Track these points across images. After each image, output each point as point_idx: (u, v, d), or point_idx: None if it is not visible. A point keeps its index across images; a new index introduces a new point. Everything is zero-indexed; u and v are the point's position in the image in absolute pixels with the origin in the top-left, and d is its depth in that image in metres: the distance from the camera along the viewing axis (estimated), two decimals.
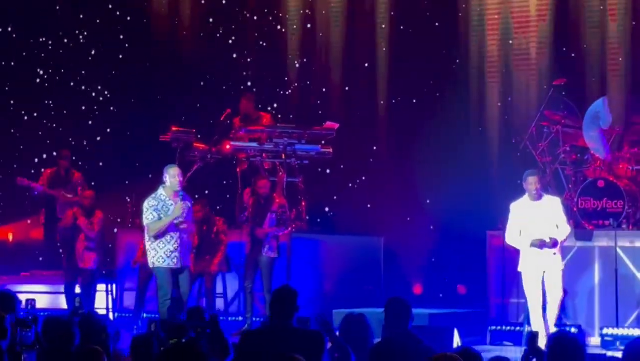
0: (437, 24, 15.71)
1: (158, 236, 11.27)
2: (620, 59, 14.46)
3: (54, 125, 17.34)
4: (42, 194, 15.16)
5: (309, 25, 16.55)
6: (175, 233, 11.28)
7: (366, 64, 16.18)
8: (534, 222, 11.09)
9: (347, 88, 16.25)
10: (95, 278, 14.05)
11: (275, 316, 7.09)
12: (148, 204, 11.37)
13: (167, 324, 8.13)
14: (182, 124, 14.86)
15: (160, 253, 11.29)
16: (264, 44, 16.78)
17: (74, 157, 16.00)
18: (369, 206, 15.70)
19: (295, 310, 7.11)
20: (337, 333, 7.65)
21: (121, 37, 17.21)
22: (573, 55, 14.73)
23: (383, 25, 16.11)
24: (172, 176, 11.36)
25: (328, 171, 15.44)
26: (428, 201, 15.35)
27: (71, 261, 13.92)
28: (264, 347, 6.84)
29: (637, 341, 6.53)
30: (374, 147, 15.97)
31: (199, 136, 14.75)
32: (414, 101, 15.89)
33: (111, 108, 17.25)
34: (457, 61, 15.62)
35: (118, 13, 17.31)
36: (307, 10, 16.59)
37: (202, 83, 16.82)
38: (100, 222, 14.00)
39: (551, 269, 11.04)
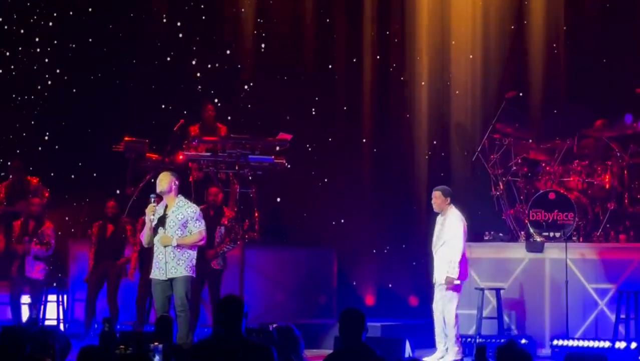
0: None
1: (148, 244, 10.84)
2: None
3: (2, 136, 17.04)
4: (5, 213, 14.78)
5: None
6: (156, 244, 10.66)
7: (321, 75, 16.21)
8: (435, 234, 11.52)
9: (301, 98, 16.22)
10: (43, 289, 13.89)
11: (222, 327, 7.02)
12: None
13: (125, 333, 8.10)
14: (135, 134, 14.73)
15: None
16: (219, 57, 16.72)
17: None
18: (322, 218, 15.68)
19: (242, 319, 7.03)
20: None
21: (72, 45, 17.04)
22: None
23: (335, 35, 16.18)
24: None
25: (281, 182, 15.38)
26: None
27: (21, 271, 13.73)
28: (215, 359, 6.82)
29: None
30: (328, 160, 15.96)
31: (154, 147, 14.67)
32: (368, 113, 15.93)
33: (63, 123, 16.98)
34: (402, 78, 15.69)
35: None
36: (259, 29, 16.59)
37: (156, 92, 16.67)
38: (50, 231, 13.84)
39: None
